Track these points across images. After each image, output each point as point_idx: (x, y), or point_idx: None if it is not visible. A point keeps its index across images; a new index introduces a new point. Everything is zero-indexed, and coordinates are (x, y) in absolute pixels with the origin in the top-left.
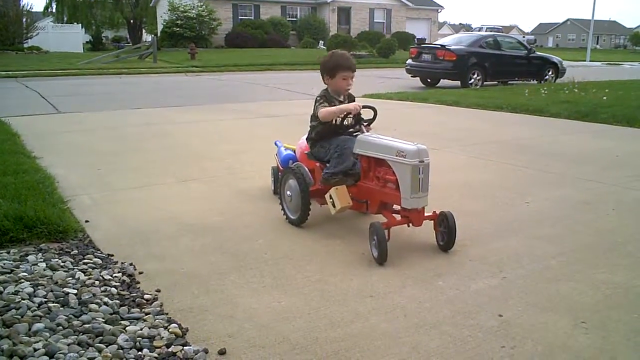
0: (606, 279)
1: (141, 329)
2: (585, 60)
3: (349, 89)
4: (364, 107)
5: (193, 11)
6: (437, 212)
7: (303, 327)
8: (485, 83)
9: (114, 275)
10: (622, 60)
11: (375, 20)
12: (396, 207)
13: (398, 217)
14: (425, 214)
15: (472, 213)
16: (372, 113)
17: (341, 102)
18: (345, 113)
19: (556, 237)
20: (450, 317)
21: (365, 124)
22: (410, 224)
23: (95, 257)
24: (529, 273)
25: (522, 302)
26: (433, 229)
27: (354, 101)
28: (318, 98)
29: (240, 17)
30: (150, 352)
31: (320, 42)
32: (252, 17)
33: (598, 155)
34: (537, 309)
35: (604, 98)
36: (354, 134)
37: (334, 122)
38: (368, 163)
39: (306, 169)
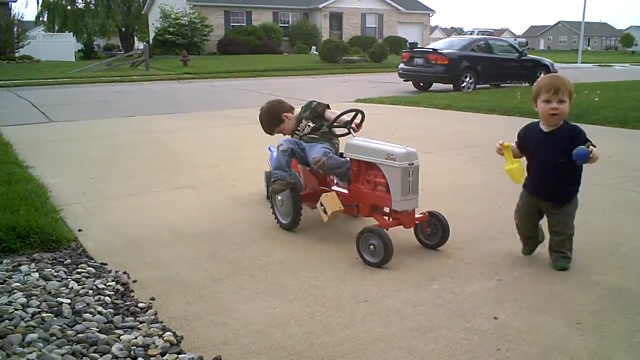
0: (600, 280)
1: (135, 338)
2: (576, 62)
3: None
4: (351, 110)
5: (185, 18)
6: (427, 213)
7: (298, 333)
8: (477, 86)
9: (108, 284)
10: (613, 61)
11: (367, 25)
12: (387, 209)
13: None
14: (416, 216)
15: (466, 216)
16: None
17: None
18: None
19: None
20: (445, 320)
21: (353, 127)
22: (401, 226)
23: (89, 266)
24: (524, 275)
25: (517, 304)
26: (422, 230)
27: (323, 107)
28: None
29: (232, 24)
30: None
31: (313, 47)
32: (244, 24)
33: None
34: (532, 311)
35: (596, 99)
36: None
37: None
38: (358, 166)
39: (297, 173)
